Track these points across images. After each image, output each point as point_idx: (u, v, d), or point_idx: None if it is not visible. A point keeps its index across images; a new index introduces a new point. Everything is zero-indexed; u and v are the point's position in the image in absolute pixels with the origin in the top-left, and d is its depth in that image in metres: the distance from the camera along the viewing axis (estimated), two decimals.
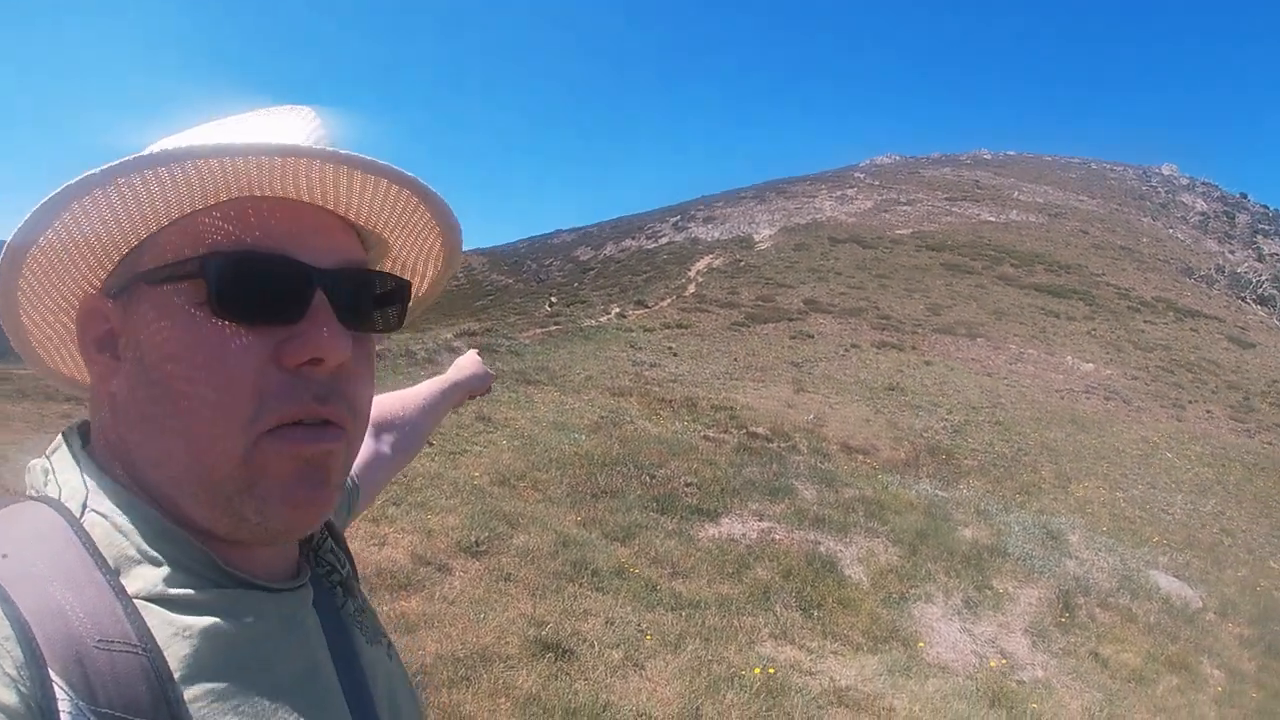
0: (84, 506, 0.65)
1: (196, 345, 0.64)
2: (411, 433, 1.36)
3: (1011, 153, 77.50)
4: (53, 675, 0.54)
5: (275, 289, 0.64)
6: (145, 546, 0.64)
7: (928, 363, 20.28)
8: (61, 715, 0.53)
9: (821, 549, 7.80)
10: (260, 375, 0.63)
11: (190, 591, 0.64)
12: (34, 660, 0.54)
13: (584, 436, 10.07)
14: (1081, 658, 6.52)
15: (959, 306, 28.00)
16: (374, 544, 5.84)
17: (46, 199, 0.62)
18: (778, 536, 7.96)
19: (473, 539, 6.21)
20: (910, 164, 71.39)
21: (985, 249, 38.06)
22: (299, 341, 0.64)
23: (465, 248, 0.89)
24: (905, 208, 50.18)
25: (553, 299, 35.23)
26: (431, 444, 8.14)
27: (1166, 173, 72.99)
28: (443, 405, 1.48)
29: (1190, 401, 19.71)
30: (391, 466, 1.29)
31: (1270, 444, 16.99)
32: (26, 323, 0.74)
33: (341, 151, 0.64)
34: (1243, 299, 38.11)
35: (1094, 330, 26.53)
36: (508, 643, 4.85)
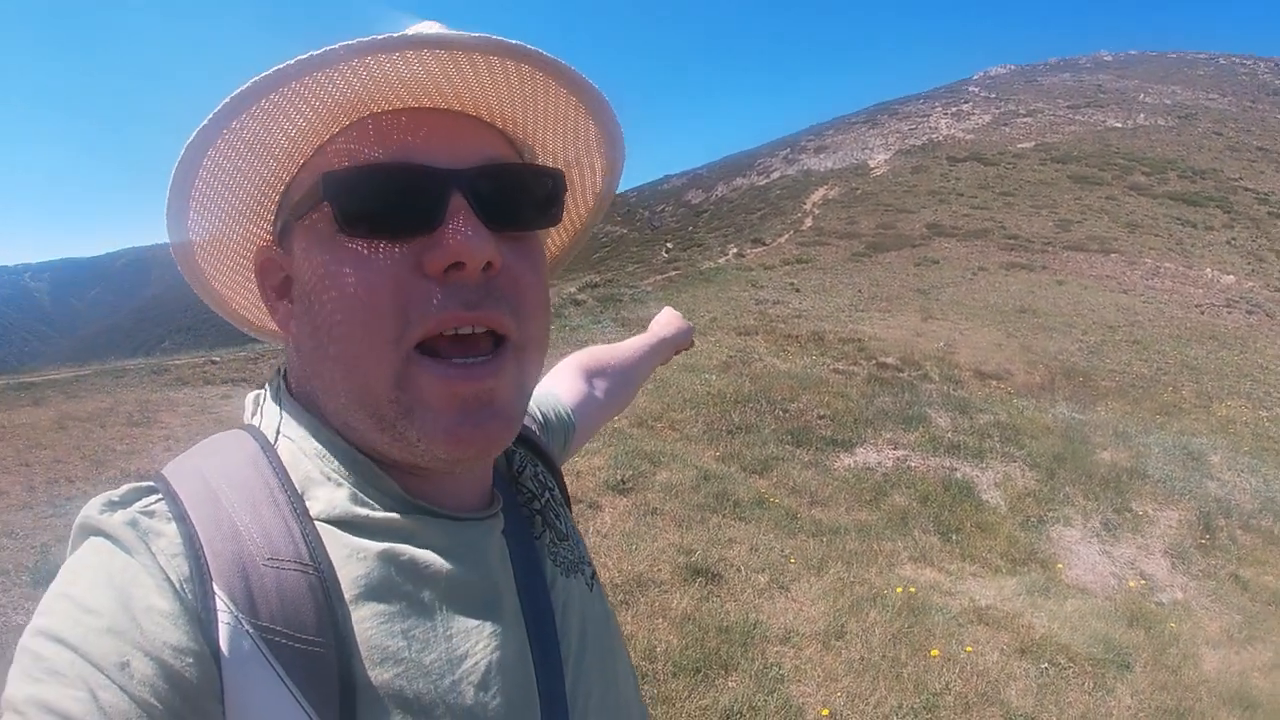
0: (278, 433, 0.70)
1: (336, 269, 0.64)
2: (623, 382, 1.38)
3: (1134, 52, 73.33)
4: (216, 589, 0.58)
5: (403, 198, 0.63)
6: (328, 470, 0.68)
7: (1060, 282, 19.65)
8: (220, 625, 0.57)
9: (958, 475, 7.88)
10: (403, 289, 0.63)
11: (368, 514, 0.66)
12: (199, 575, 0.58)
13: (714, 376, 10.24)
14: (1221, 580, 6.45)
15: (1089, 221, 26.89)
16: None
17: (186, 146, 0.64)
18: (913, 464, 8.07)
19: (618, 477, 6.48)
20: (1026, 72, 68.15)
21: (1114, 158, 36.17)
22: (438, 248, 0.63)
23: None
24: (1025, 119, 48.05)
25: (669, 245, 35.22)
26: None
27: None
28: (651, 359, 1.49)
29: None
30: (603, 411, 1.30)
31: None
32: (220, 289, 0.80)
33: (447, 32, 0.62)
34: None
35: (1233, 239, 25.17)
36: (660, 569, 5.16)
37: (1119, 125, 44.62)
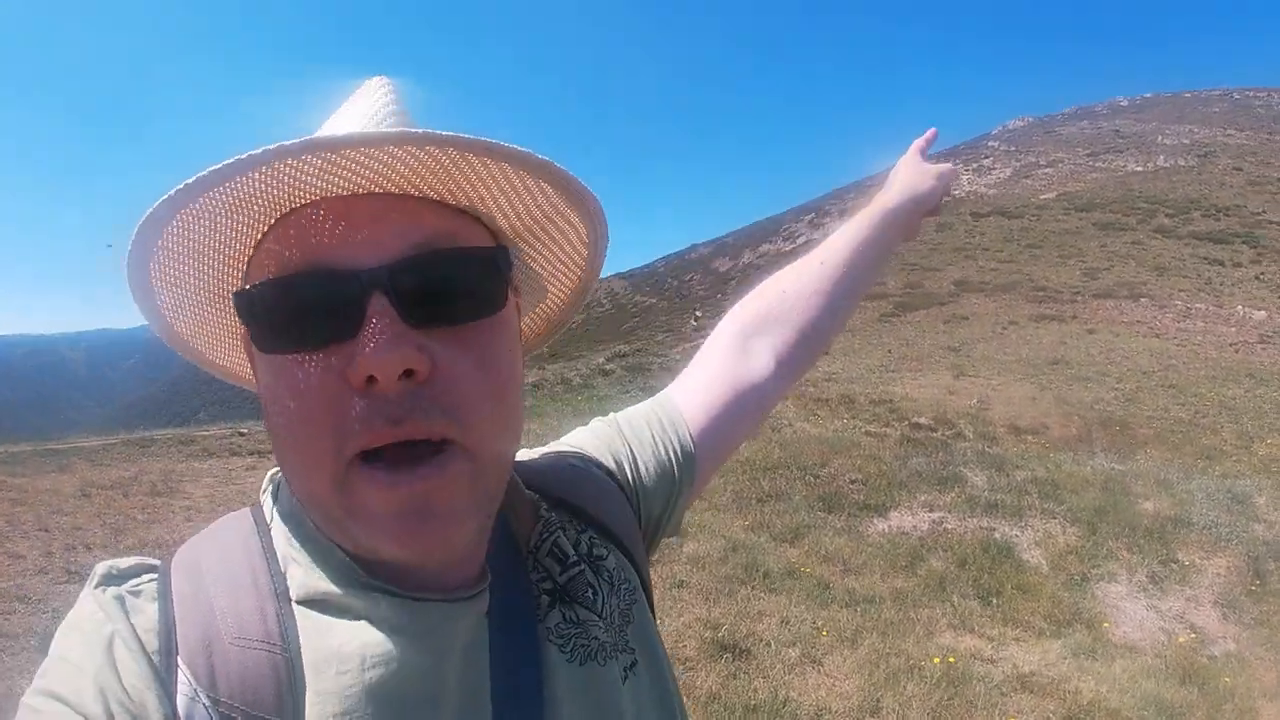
0: (272, 514, 0.73)
1: (272, 382, 0.64)
2: (812, 323, 1.07)
3: (1149, 95, 74.04)
4: (180, 663, 0.62)
5: (315, 308, 0.60)
6: (296, 551, 0.69)
7: (1091, 331, 19.45)
8: (179, 695, 0.61)
9: (996, 535, 7.66)
10: (333, 403, 0.60)
11: (329, 591, 0.67)
12: (168, 650, 0.63)
13: (743, 443, 10.16)
14: (1276, 627, 6.16)
15: (1117, 267, 26.74)
16: None
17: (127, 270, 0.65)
18: (949, 526, 7.87)
19: None
20: (1044, 123, 68.69)
21: (1136, 202, 36.12)
22: (352, 361, 0.58)
23: (604, 274, 0.83)
24: (1046, 170, 48.27)
25: (698, 313, 35.41)
26: None
27: None
28: (873, 250, 1.14)
29: None
30: (776, 386, 1.04)
31: None
32: (223, 362, 0.82)
33: (355, 133, 0.57)
34: None
35: (1262, 274, 24.91)
36: (685, 645, 5.02)
37: (1139, 169, 44.70)
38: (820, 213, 52.37)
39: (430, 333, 0.60)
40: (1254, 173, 42.04)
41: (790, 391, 1.09)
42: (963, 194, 45.61)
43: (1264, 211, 33.68)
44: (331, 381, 0.59)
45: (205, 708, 0.61)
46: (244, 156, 0.55)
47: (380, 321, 0.58)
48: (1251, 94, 69.18)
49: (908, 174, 1.19)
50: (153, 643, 0.63)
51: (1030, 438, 11.59)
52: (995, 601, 6.38)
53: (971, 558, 7.12)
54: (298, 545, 0.69)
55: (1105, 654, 5.55)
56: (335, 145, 0.56)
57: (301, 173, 0.58)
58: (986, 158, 54.25)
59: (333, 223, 0.61)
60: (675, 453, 0.95)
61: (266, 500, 0.75)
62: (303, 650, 0.64)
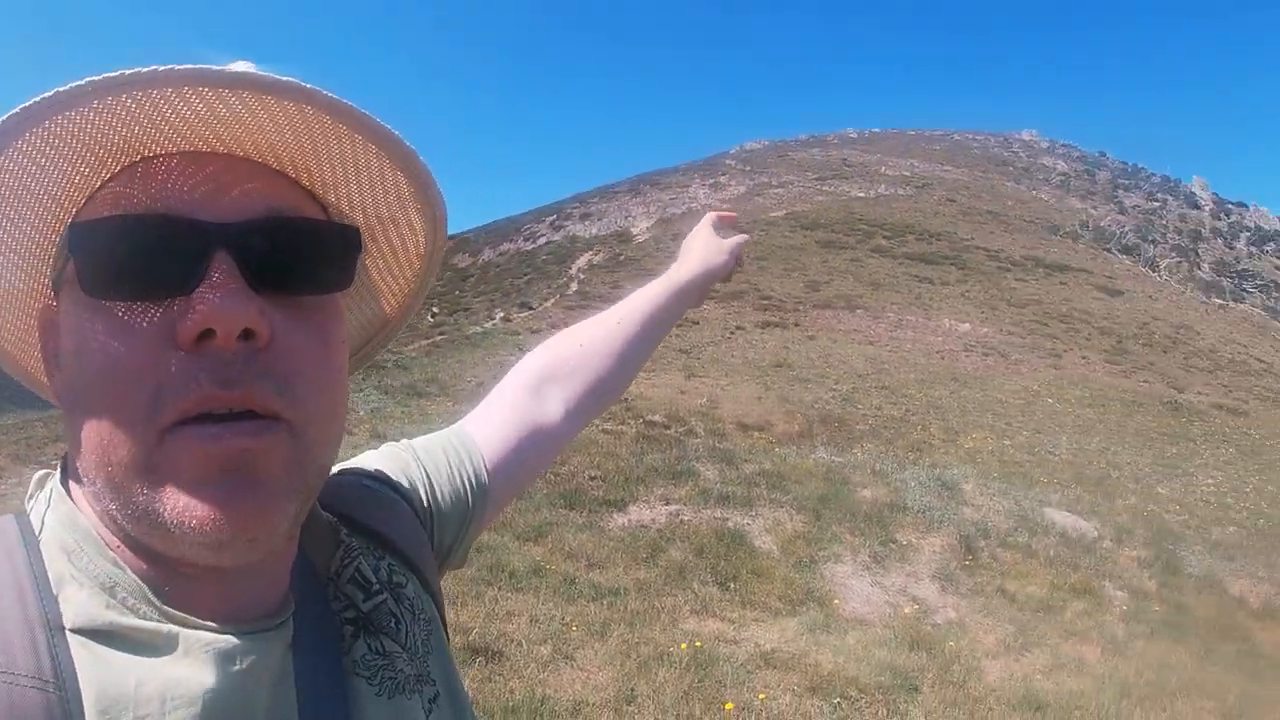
0: (42, 523, 0.61)
1: (87, 334, 0.55)
2: (603, 377, 1.07)
3: (877, 130, 79.61)
4: None
5: (156, 255, 0.54)
6: (77, 569, 0.58)
7: (811, 337, 20.74)
8: None
9: (729, 524, 7.95)
10: (154, 362, 0.53)
11: (115, 621, 0.56)
12: None
13: (534, 483, 9.97)
14: (989, 595, 6.84)
15: (836, 281, 28.76)
16: None
17: None
18: (686, 517, 8.08)
19: None
20: (779, 148, 72.60)
21: (857, 224, 39.18)
22: (188, 313, 0.53)
23: None
24: (778, 190, 51.13)
25: (434, 309, 34.73)
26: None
27: (1027, 138, 76.45)
28: (664, 314, 1.15)
29: (1066, 350, 20.74)
30: (566, 429, 1.02)
31: (1146, 382, 18.08)
32: (7, 345, 0.69)
33: (208, 68, 0.52)
34: (1108, 250, 40.15)
35: (967, 292, 27.63)
36: None
37: (862, 195, 48.46)
38: (562, 215, 52.91)
39: (274, 300, 0.56)
40: (965, 204, 46.66)
41: (576, 436, 1.08)
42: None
43: (972, 238, 37.36)
44: (157, 337, 0.54)
45: None
46: (126, 73, 0.50)
47: (222, 277, 0.53)
48: (970, 136, 76.60)
49: (702, 249, 1.23)
50: None
51: (757, 433, 12.18)
52: (733, 586, 6.62)
53: (708, 546, 7.35)
54: (79, 564, 0.58)
55: (838, 628, 5.90)
56: (227, 81, 0.53)
57: (162, 115, 0.54)
58: (723, 174, 56.73)
59: (185, 175, 0.57)
60: (470, 482, 0.91)
61: (37, 507, 0.63)
62: (83, 689, 0.53)
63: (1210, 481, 11.45)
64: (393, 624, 0.72)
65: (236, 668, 0.58)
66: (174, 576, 0.58)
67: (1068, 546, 8.15)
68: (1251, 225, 55.59)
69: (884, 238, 36.59)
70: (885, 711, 4.67)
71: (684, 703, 4.51)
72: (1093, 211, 51.75)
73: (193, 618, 0.58)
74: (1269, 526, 9.73)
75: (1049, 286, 29.99)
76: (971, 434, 12.59)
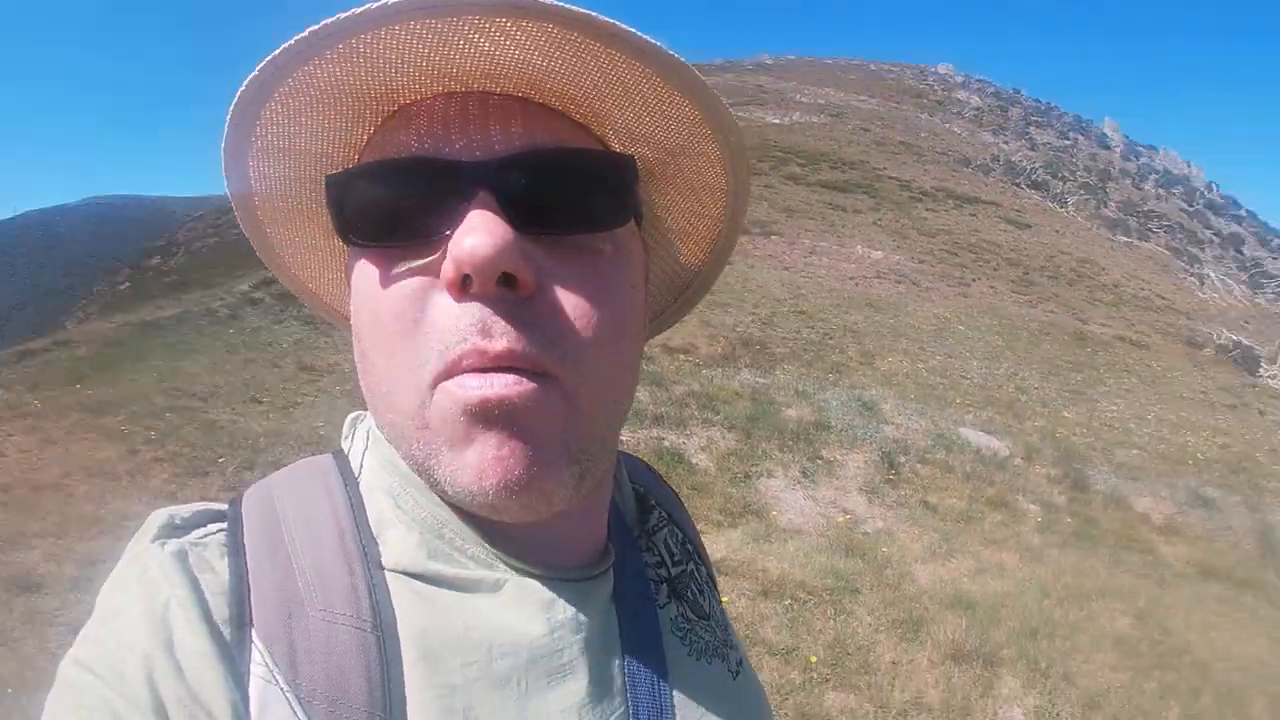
0: (361, 463, 0.61)
1: (361, 282, 0.55)
2: None
3: (792, 56, 78.62)
4: (254, 637, 0.50)
5: (410, 199, 0.52)
6: (408, 512, 0.58)
7: (729, 262, 21.01)
8: (252, 677, 0.49)
9: (666, 443, 8.11)
10: (415, 311, 0.51)
11: (440, 568, 0.56)
12: (240, 619, 0.51)
13: None
14: (913, 507, 7.19)
15: (751, 207, 28.44)
16: None
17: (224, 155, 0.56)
18: (624, 437, 8.22)
19: None
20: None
21: (772, 150, 39.20)
22: (443, 258, 0.50)
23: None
24: None
25: None
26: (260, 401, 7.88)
27: (943, 71, 76.44)
28: None
29: (974, 280, 21.30)
30: None
31: (1052, 312, 18.76)
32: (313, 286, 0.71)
33: None
34: (1018, 185, 40.99)
35: (880, 221, 28.02)
36: None
37: (777, 121, 48.29)
38: None
39: (539, 241, 0.52)
40: (879, 134, 46.82)
41: None
42: None
43: (885, 168, 37.60)
44: (419, 287, 0.51)
45: (283, 695, 0.49)
46: (373, 7, 0.47)
47: (480, 216, 0.49)
48: (885, 67, 76.06)
49: None
50: (221, 610, 0.51)
51: (682, 356, 12.33)
52: None
53: (649, 463, 7.51)
54: (405, 505, 0.58)
55: (779, 537, 6.15)
56: (454, 9, 0.48)
57: (408, 62, 0.51)
58: None
59: (438, 119, 0.53)
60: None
61: (355, 446, 0.63)
62: (401, 632, 0.53)
63: (1114, 408, 12.08)
64: (695, 592, 0.72)
65: (563, 616, 0.57)
66: (493, 521, 0.56)
67: (982, 463, 8.56)
68: (1160, 168, 57.37)
69: (798, 165, 36.73)
70: (833, 610, 4.94)
71: None
72: (1004, 146, 52.66)
73: (520, 563, 0.58)
74: (1170, 451, 10.32)
75: (959, 218, 30.67)
76: (887, 357, 12.97)
